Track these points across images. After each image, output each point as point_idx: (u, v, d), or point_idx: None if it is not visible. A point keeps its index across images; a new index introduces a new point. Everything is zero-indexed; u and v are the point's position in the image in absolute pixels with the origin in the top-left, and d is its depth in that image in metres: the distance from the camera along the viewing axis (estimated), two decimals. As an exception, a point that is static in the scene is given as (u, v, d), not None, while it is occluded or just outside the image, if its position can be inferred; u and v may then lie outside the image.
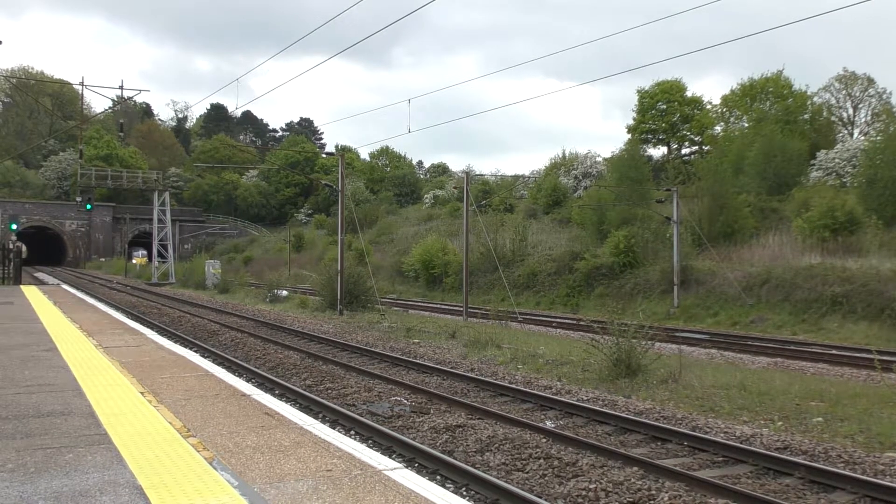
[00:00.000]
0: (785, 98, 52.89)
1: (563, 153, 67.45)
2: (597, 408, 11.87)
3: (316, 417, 9.62)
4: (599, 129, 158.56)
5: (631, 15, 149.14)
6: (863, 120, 54.91)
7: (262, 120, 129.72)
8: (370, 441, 9.91)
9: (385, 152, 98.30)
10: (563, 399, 12.57)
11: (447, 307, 35.89)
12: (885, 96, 53.31)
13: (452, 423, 10.82)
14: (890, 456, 9.12)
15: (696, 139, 62.42)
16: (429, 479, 6.80)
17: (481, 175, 70.69)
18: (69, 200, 78.99)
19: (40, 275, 59.42)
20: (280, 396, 12.43)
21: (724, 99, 59.24)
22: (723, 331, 26.01)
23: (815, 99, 54.77)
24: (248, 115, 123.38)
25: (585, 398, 12.73)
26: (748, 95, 55.71)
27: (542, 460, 8.96)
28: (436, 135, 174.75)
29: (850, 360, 18.55)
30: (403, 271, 49.54)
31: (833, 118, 55.19)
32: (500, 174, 74.76)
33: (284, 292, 38.43)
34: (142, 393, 8.42)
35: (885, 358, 13.56)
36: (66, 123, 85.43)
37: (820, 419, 11.02)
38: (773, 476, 8.67)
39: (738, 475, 8.69)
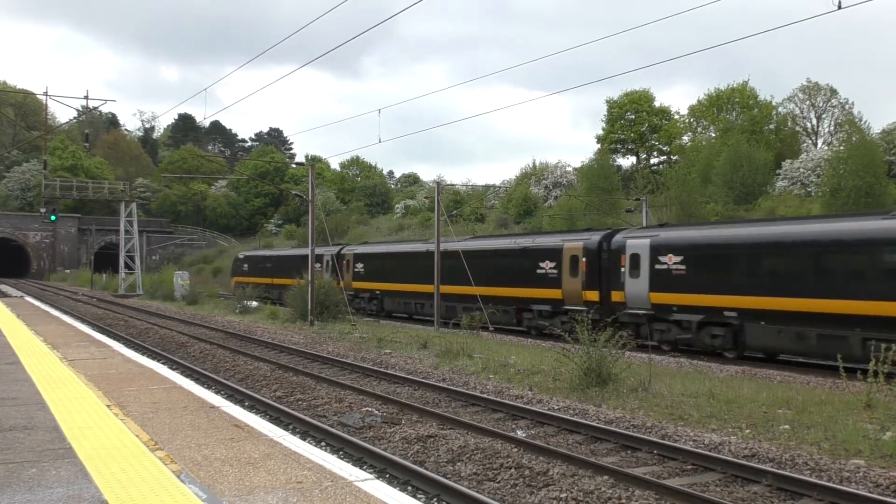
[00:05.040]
0: (751, 108, 53.73)
1: (534, 163, 67.96)
2: (568, 417, 11.91)
3: (286, 429, 9.54)
4: (569, 138, 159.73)
5: (599, 26, 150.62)
6: (826, 130, 55.91)
7: (230, 130, 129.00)
8: (341, 452, 9.86)
9: (356, 162, 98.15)
10: (534, 408, 12.60)
11: (418, 317, 35.78)
12: (847, 107, 54.33)
13: (424, 433, 10.80)
14: (855, 463, 9.25)
15: (665, 149, 63.14)
16: (400, 490, 6.79)
17: (452, 185, 70.79)
18: (33, 211, 77.71)
19: (3, 287, 58.40)
20: (250, 408, 12.34)
21: (692, 109, 60.04)
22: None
23: (780, 109, 55.71)
24: (216, 126, 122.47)
25: (556, 407, 12.76)
26: (715, 105, 56.52)
27: (513, 470, 8.97)
28: (406, 145, 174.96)
29: (816, 367, 18.78)
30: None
31: (797, 128, 56.11)
32: (470, 184, 74.99)
33: (255, 303, 38.13)
34: (108, 406, 8.31)
35: (849, 365, 13.73)
36: (30, 134, 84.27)
37: (787, 427, 11.14)
38: (742, 484, 8.76)
39: (707, 483, 8.76)
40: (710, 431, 10.99)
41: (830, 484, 8.42)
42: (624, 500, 7.91)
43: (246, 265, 50.73)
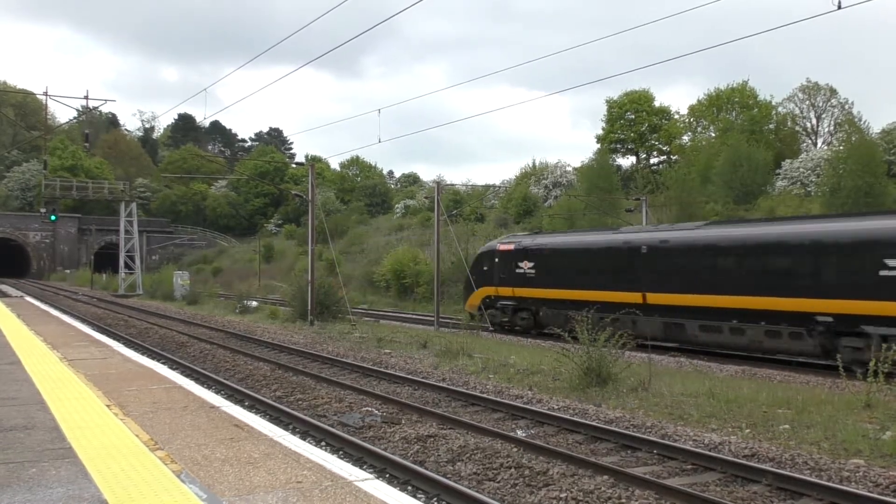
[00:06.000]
0: (750, 108, 53.71)
1: (534, 163, 67.98)
2: (568, 416, 11.90)
3: (286, 429, 9.54)
4: (569, 138, 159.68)
5: (599, 26, 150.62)
6: (826, 130, 55.88)
7: (230, 130, 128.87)
8: (341, 452, 9.86)
9: (355, 162, 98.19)
10: (534, 408, 12.60)
11: (418, 317, 35.86)
12: (847, 106, 54.30)
13: (424, 433, 10.80)
14: (855, 462, 9.25)
15: (665, 149, 63.14)
16: (400, 490, 6.79)
17: (452, 185, 70.80)
18: (33, 211, 77.71)
19: (3, 287, 58.43)
20: (250, 408, 12.34)
21: (692, 109, 60.04)
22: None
23: (780, 109, 55.69)
24: (216, 125, 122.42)
25: (556, 407, 12.76)
26: (714, 105, 56.52)
27: (513, 469, 8.97)
28: (406, 145, 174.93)
29: (816, 367, 18.75)
30: (374, 281, 49.47)
31: (797, 128, 56.10)
32: (470, 184, 74.99)
33: (254, 303, 38.17)
34: (108, 406, 8.31)
35: (851, 366, 13.74)
36: (30, 134, 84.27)
37: (787, 426, 11.14)
38: (741, 483, 8.75)
39: (707, 483, 8.76)
40: (710, 431, 10.99)
41: (830, 483, 8.42)
42: (624, 500, 7.92)
43: (529, 263, 26.46)
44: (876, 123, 64.79)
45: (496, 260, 27.84)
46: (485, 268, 28.43)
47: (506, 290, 27.31)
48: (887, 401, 12.32)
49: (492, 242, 29.82)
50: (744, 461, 9.29)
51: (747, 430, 10.97)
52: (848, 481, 8.61)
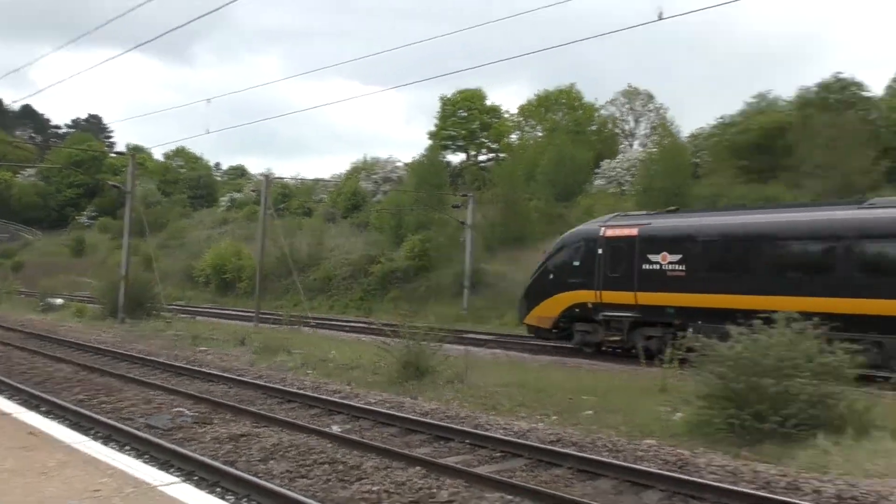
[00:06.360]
0: (576, 110, 56.09)
1: (365, 157, 67.91)
2: (384, 410, 12.04)
3: (87, 434, 9.04)
4: (403, 134, 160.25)
5: (440, 21, 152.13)
6: (642, 132, 59.22)
7: (43, 115, 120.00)
8: (146, 456, 9.42)
9: (181, 153, 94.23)
10: (350, 403, 12.67)
11: (239, 313, 35.09)
12: (661, 111, 57.74)
13: (237, 432, 10.58)
14: (648, 443, 9.98)
15: (494, 146, 64.75)
16: (208, 492, 6.66)
17: (281, 178, 69.38)
18: None
19: None
20: (47, 414, 11.53)
21: (521, 108, 61.90)
22: (508, 331, 26.96)
23: (602, 111, 58.48)
24: (27, 109, 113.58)
25: (373, 401, 12.87)
26: (543, 106, 58.51)
27: (326, 465, 8.97)
28: (236, 136, 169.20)
29: (621, 356, 19.64)
30: (194, 276, 47.94)
31: (617, 130, 59.12)
32: (300, 177, 73.76)
33: (60, 300, 35.84)
34: None
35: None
36: None
37: (590, 412, 11.81)
38: (546, 467, 9.19)
39: (514, 469, 9.13)
40: (519, 419, 11.47)
41: (626, 463, 9.07)
42: (434, 490, 8.10)
43: (672, 256, 18.85)
44: (686, 128, 69.40)
45: (599, 251, 19.98)
46: (574, 263, 20.57)
47: (621, 296, 19.53)
48: (680, 385, 13.32)
49: (587, 226, 21.70)
50: (549, 446, 9.79)
51: (554, 417, 11.54)
52: (641, 460, 9.31)
